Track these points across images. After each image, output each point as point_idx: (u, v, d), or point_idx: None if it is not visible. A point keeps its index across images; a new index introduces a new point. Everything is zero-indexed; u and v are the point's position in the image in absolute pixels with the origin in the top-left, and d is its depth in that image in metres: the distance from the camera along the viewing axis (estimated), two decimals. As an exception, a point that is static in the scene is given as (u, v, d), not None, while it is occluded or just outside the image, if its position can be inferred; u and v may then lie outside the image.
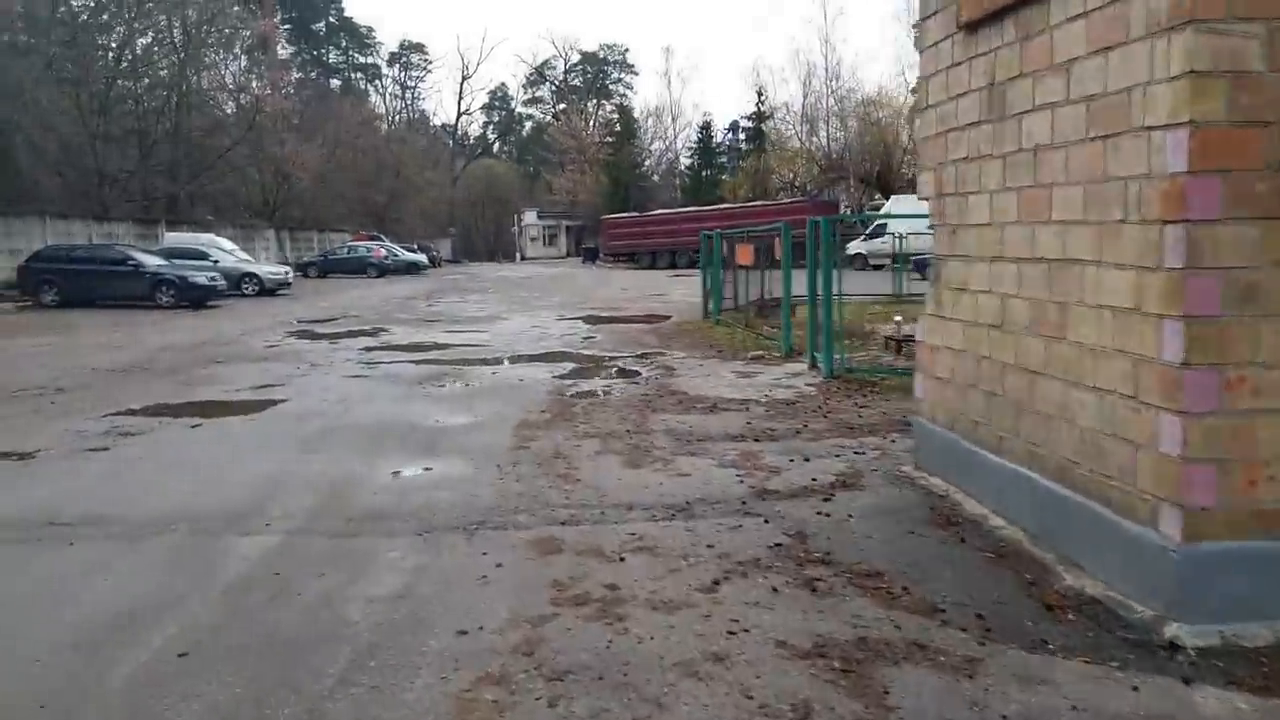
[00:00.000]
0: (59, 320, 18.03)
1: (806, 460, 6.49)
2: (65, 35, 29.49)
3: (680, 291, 28.34)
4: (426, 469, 6.29)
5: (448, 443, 7.07)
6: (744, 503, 5.52)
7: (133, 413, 8.33)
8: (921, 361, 6.12)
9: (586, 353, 13.02)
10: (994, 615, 3.87)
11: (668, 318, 19.04)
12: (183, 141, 36.96)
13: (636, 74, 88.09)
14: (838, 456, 6.61)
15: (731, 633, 3.66)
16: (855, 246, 41.69)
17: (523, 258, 71.04)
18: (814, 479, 6.00)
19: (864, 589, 4.18)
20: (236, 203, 43.86)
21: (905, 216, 31.28)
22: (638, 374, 10.80)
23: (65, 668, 3.33)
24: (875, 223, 41.80)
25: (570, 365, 11.69)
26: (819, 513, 5.30)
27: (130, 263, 21.32)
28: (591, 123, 78.85)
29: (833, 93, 53.82)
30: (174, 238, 28.93)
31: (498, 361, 12.20)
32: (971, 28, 5.23)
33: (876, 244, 40.54)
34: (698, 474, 6.13)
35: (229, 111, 43.11)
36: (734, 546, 4.68)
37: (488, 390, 9.66)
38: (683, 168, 64.51)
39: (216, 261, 26.11)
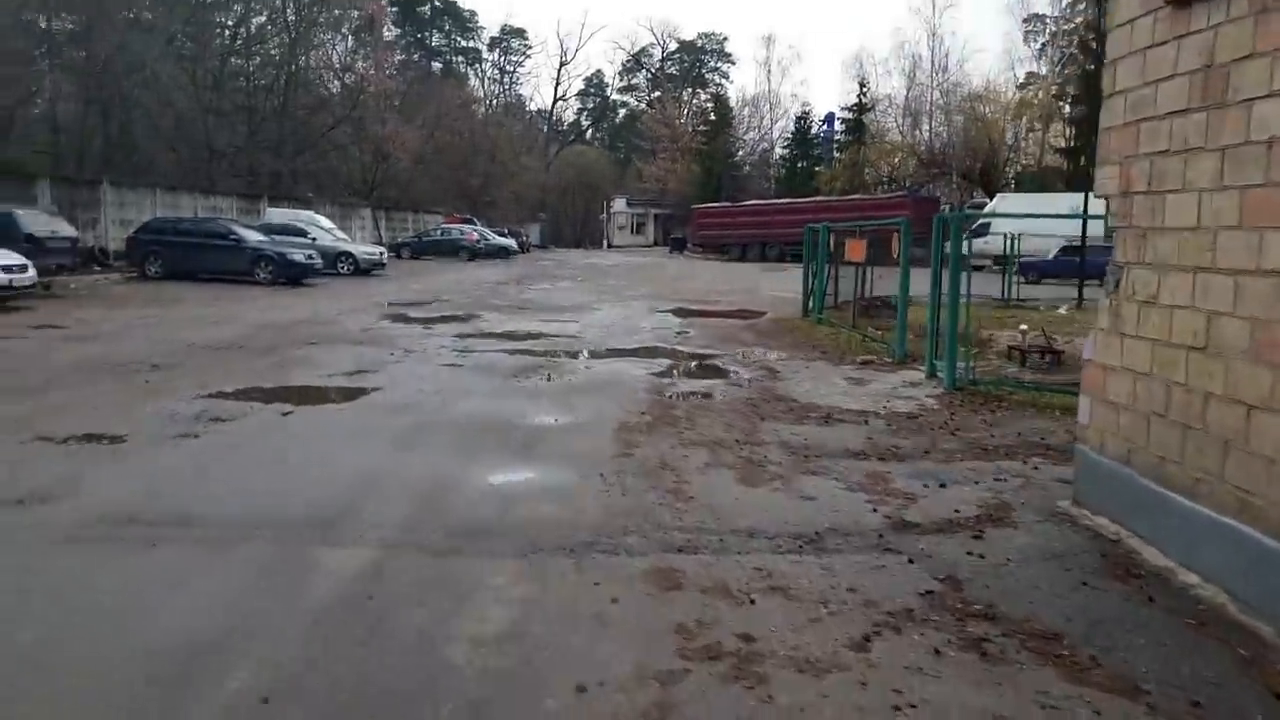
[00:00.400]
0: (162, 293, 18.40)
1: (943, 486, 5.81)
2: (186, 13, 30.33)
3: (772, 286, 27.53)
4: (527, 476, 5.83)
5: (547, 445, 6.61)
6: (881, 536, 4.89)
7: (225, 396, 8.14)
8: (1090, 382, 5.36)
9: (682, 349, 12.46)
10: (1212, 703, 3.19)
11: (763, 314, 18.34)
12: (288, 119, 37.74)
13: (733, 63, 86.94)
14: (976, 483, 5.91)
15: (897, 707, 3.07)
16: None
17: (610, 245, 70.85)
18: (956, 510, 5.32)
19: (1043, 656, 3.53)
20: (336, 181, 44.68)
21: (1012, 216, 29.87)
22: (739, 375, 10.19)
23: (135, 707, 2.95)
24: (978, 221, 40.18)
25: (666, 362, 11.16)
26: (970, 553, 4.63)
27: (232, 237, 21.68)
28: (686, 111, 78.04)
29: (937, 85, 51.85)
30: (275, 213, 29.45)
31: (591, 355, 11.74)
32: (1183, 2, 4.45)
33: (979, 244, 38.29)
34: (823, 497, 5.52)
35: (334, 91, 43.88)
36: (879, 592, 4.07)
37: (583, 387, 9.19)
38: (778, 158, 63.15)
39: (314, 239, 26.44)
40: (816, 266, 15.75)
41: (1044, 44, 68.77)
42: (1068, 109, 49.71)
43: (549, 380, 9.54)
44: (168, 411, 7.35)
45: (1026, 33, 64.71)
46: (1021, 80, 56.04)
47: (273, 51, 38.75)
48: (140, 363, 9.72)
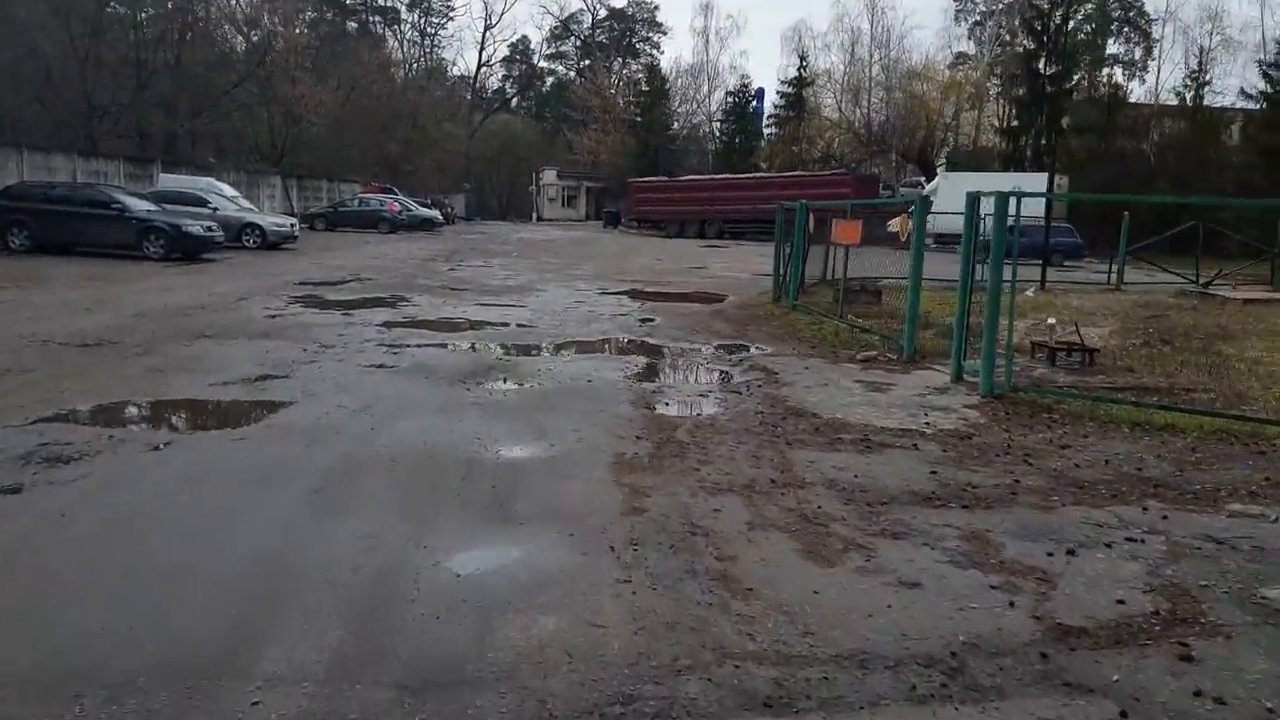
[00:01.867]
0: (25, 270, 15.71)
1: (1072, 554, 4.30)
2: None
3: (722, 265, 26.04)
4: (508, 557, 4.04)
5: (526, 497, 4.82)
6: (1045, 657, 3.32)
7: (77, 419, 6.09)
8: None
9: (653, 342, 10.75)
10: None
11: (724, 297, 16.81)
12: (185, 75, 34.25)
13: (665, 34, 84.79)
14: (1109, 547, 4.42)
15: None
16: (895, 224, 39.18)
17: (539, 218, 68.34)
18: (1120, 601, 3.80)
19: None
20: (242, 145, 41.29)
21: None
22: (732, 378, 8.55)
23: None
24: (920, 199, 39.45)
25: (640, 360, 9.44)
26: (1198, 693, 3.09)
27: (115, 206, 18.91)
28: (617, 81, 75.75)
29: (877, 61, 50.94)
30: (169, 180, 26.46)
31: (550, 350, 9.94)
32: None
33: (919, 222, 38.15)
34: (929, 581, 3.92)
35: (237, 47, 40.29)
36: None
37: (553, 396, 7.40)
38: (716, 132, 61.50)
39: (215, 209, 23.71)
40: (793, 248, 14.15)
41: (974, 23, 69.04)
42: (999, 88, 49.55)
43: (507, 387, 7.72)
44: (-13, 447, 5.29)
45: (958, 12, 64.62)
46: (950, 60, 55.68)
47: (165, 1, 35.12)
48: (-32, 367, 7.52)
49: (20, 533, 4.11)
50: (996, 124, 48.61)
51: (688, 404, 7.39)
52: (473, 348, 9.78)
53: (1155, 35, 51.47)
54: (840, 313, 11.96)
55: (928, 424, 6.81)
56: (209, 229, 19.99)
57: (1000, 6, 65.00)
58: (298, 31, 46.77)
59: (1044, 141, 40.95)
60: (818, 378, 8.50)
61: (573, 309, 13.73)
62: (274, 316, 11.50)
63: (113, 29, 31.58)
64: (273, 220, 25.23)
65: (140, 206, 19.56)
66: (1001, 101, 48.79)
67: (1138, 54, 54.62)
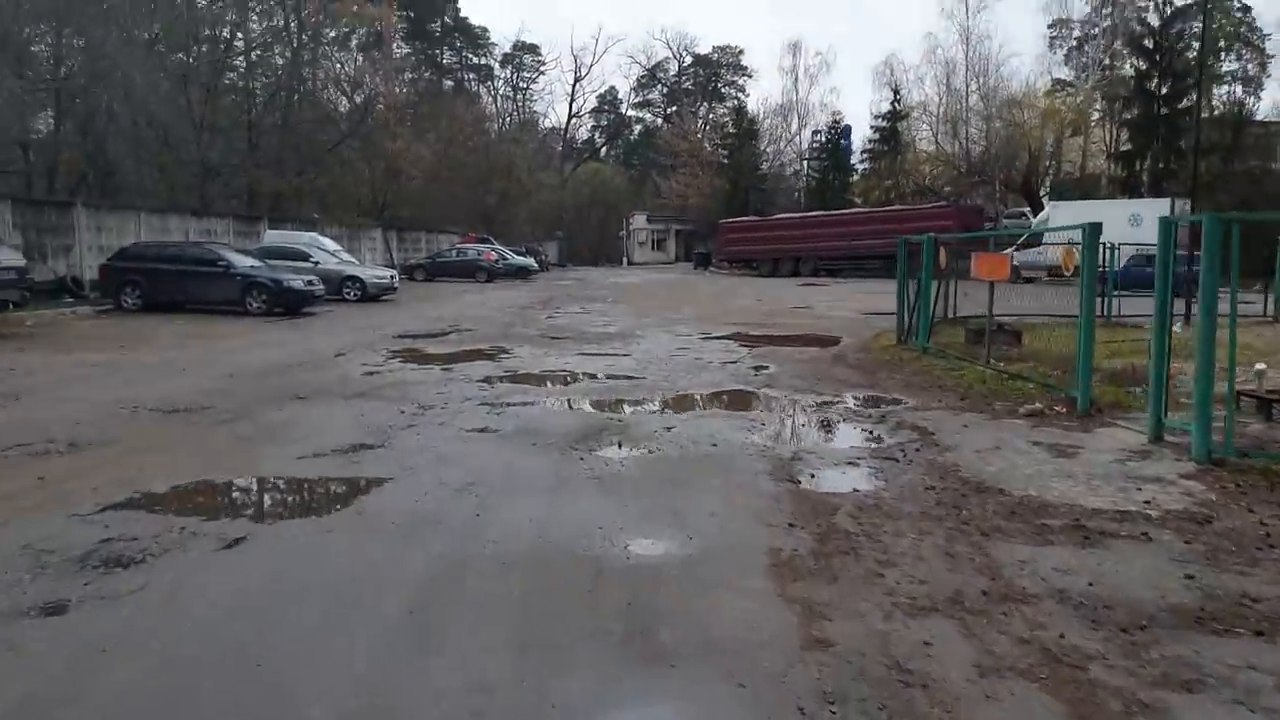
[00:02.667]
0: (132, 329, 15.69)
1: None
2: (168, 18, 27.76)
3: (824, 304, 24.79)
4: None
5: (672, 620, 3.76)
6: None
7: (149, 504, 5.38)
8: None
9: (774, 394, 9.64)
10: None
11: (838, 340, 15.61)
12: (291, 134, 35.23)
13: (750, 76, 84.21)
14: None
15: None
16: (1053, 256, 37.15)
17: (630, 262, 68.21)
18: None
19: None
20: (345, 201, 42.20)
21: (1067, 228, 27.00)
22: (882, 439, 7.36)
23: None
24: (1030, 231, 37.31)
25: (766, 417, 8.35)
26: None
27: (220, 263, 19.02)
28: (703, 125, 75.55)
29: (975, 90, 49.02)
30: (274, 235, 26.88)
31: (666, 406, 8.95)
32: None
33: (1032, 254, 35.96)
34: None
35: (340, 107, 41.41)
36: None
37: (677, 466, 6.38)
38: (806, 170, 60.29)
39: (317, 263, 23.82)
40: (920, 286, 12.88)
41: (1071, 48, 66.24)
42: (1115, 113, 46.96)
43: (624, 454, 6.74)
44: (39, 543, 4.57)
45: (1052, 38, 62.05)
46: (1048, 87, 53.06)
47: (276, 62, 36.24)
48: (50, 438, 6.97)
49: (53, 673, 3.29)
50: (1104, 149, 46.07)
51: (838, 475, 6.25)
52: (580, 405, 8.86)
53: (1270, 51, 48.05)
54: (986, 358, 10.59)
55: (1148, 503, 5.50)
56: (309, 283, 19.91)
57: (1098, 30, 62.30)
58: (397, 90, 47.99)
59: (1161, 165, 38.37)
60: (984, 438, 7.24)
61: (678, 356, 12.76)
62: (371, 373, 10.88)
63: (226, 95, 32.67)
64: (372, 272, 25.22)
65: (244, 263, 19.63)
66: (1108, 125, 46.22)
67: (1251, 69, 51.17)
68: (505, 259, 40.66)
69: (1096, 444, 7.07)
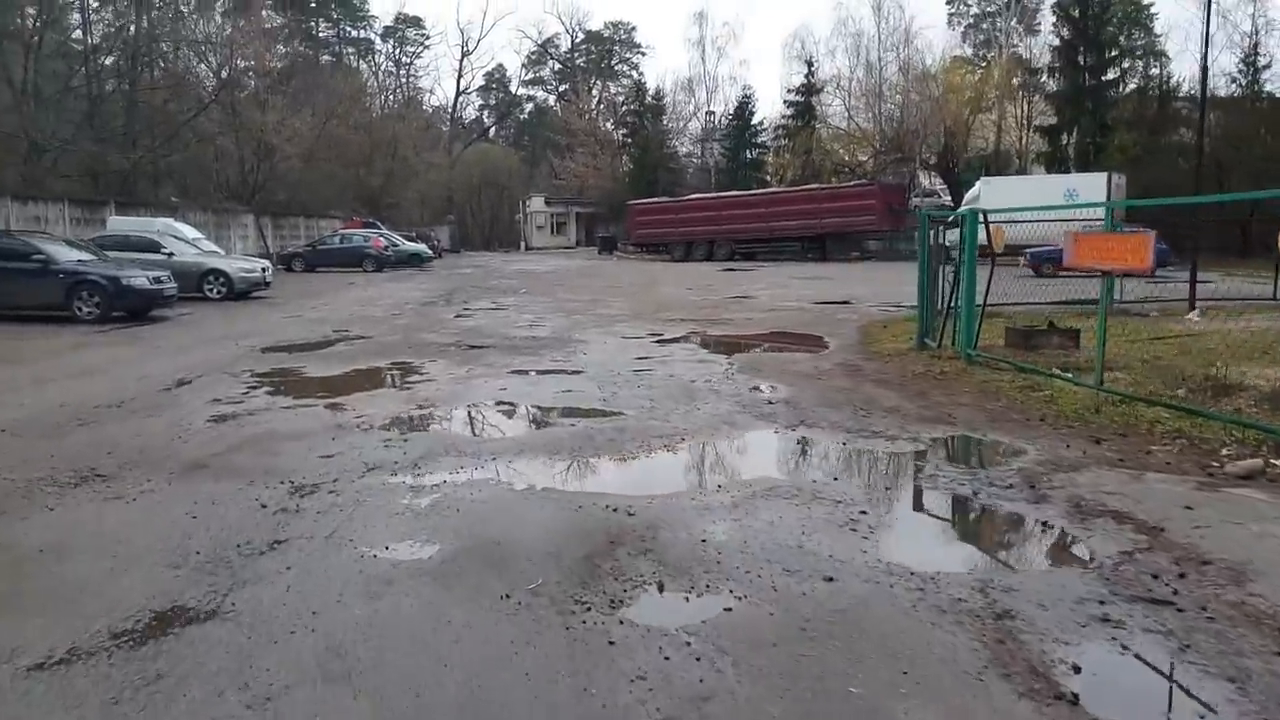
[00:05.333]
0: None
1: None
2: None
3: (766, 293, 22.25)
4: None
5: None
6: None
7: None
8: None
9: (820, 437, 6.81)
10: None
11: (821, 340, 13.00)
12: (141, 105, 30.19)
13: (644, 54, 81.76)
14: None
15: None
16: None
17: (528, 247, 64.66)
18: None
19: None
20: (210, 183, 37.25)
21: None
22: (1092, 555, 4.43)
23: None
24: (958, 210, 35.85)
25: (860, 495, 5.45)
26: None
27: (35, 257, 14.87)
28: (599, 101, 72.25)
29: (891, 62, 47.51)
30: (118, 223, 22.40)
31: (687, 475, 5.98)
32: None
33: (955, 235, 34.49)
34: None
35: (204, 78, 36.19)
36: None
37: (795, 646, 3.43)
38: (718, 149, 57.75)
39: (171, 254, 19.71)
40: (962, 275, 10.23)
41: (968, 25, 66.11)
42: (1035, 86, 46.22)
43: (676, 611, 3.71)
44: None
45: (950, 15, 61.66)
46: (946, 64, 52.14)
47: (120, 23, 31.04)
48: None
49: None
50: (1018, 123, 45.33)
51: (1115, 665, 3.37)
52: (551, 477, 5.79)
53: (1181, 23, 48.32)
54: (1099, 378, 7.74)
55: None
56: (157, 280, 15.97)
57: (996, 7, 62.18)
58: (268, 60, 42.86)
59: (1089, 140, 37.54)
60: (1250, 536, 4.51)
61: (644, 371, 9.79)
62: (222, 418, 7.48)
63: (55, 57, 27.49)
64: (240, 265, 21.18)
65: (68, 257, 15.54)
66: (1023, 99, 45.45)
67: (1165, 44, 51.54)
68: (395, 246, 36.74)
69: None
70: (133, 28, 30.38)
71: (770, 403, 8.14)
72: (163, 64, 33.12)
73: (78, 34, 31.96)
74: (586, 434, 6.89)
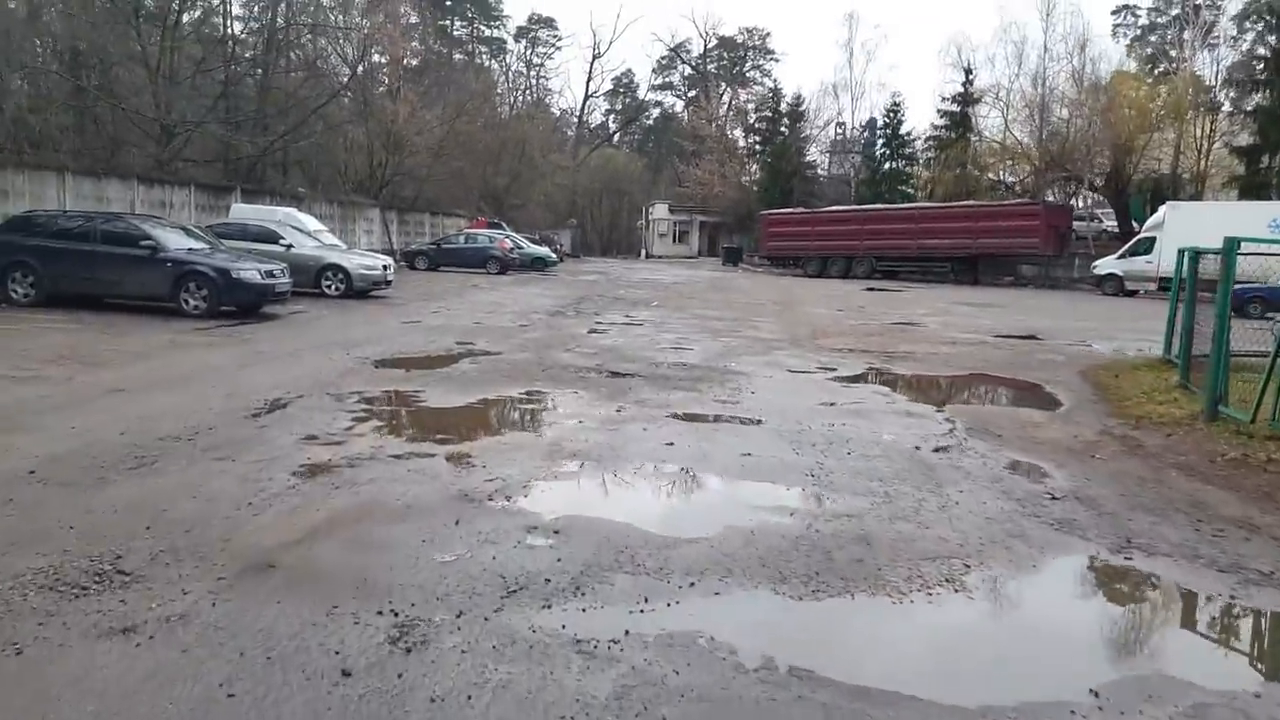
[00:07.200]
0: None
1: None
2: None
3: (927, 318, 19.58)
4: None
5: None
6: None
7: None
8: None
9: (1147, 564, 4.44)
10: None
11: (1036, 386, 10.49)
12: (274, 91, 29.73)
13: (778, 61, 79.02)
14: None
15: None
16: (1107, 265, 31.77)
17: (648, 255, 62.93)
18: None
19: None
20: (338, 174, 36.84)
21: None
22: None
23: None
24: (1138, 236, 31.94)
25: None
26: None
27: (144, 243, 13.72)
28: (729, 108, 69.97)
29: (1060, 72, 43.48)
30: (241, 210, 21.56)
31: (973, 633, 3.72)
32: None
33: (1139, 263, 30.62)
34: None
35: (337, 68, 35.74)
36: None
37: None
38: (862, 159, 54.54)
39: (290, 246, 18.57)
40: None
41: (1134, 38, 60.79)
42: (1206, 102, 41.47)
43: None
44: None
45: (1115, 26, 56.74)
46: (1115, 77, 47.45)
47: (251, 7, 30.70)
48: None
49: None
50: (1195, 144, 40.62)
51: None
52: (802, 654, 3.61)
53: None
54: None
55: None
56: (270, 274, 14.64)
57: (1168, 19, 56.87)
58: (403, 52, 42.41)
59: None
60: None
61: (842, 428, 7.49)
62: (313, 472, 5.61)
63: (190, 38, 27.19)
64: (360, 261, 19.90)
65: (179, 245, 14.36)
66: (1203, 118, 40.71)
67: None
68: (520, 248, 35.47)
69: None
70: (270, 12, 30.02)
71: (1053, 497, 5.74)
72: (298, 52, 32.69)
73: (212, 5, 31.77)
74: (816, 544, 4.66)
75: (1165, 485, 6.16)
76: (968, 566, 4.43)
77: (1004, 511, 5.38)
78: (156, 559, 4.04)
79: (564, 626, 3.54)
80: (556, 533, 4.64)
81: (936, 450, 6.91)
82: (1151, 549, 4.80)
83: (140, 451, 5.84)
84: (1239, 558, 4.69)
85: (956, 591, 4.12)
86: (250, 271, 14.15)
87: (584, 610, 3.71)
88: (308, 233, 20.44)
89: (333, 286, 18.71)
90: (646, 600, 3.83)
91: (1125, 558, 4.68)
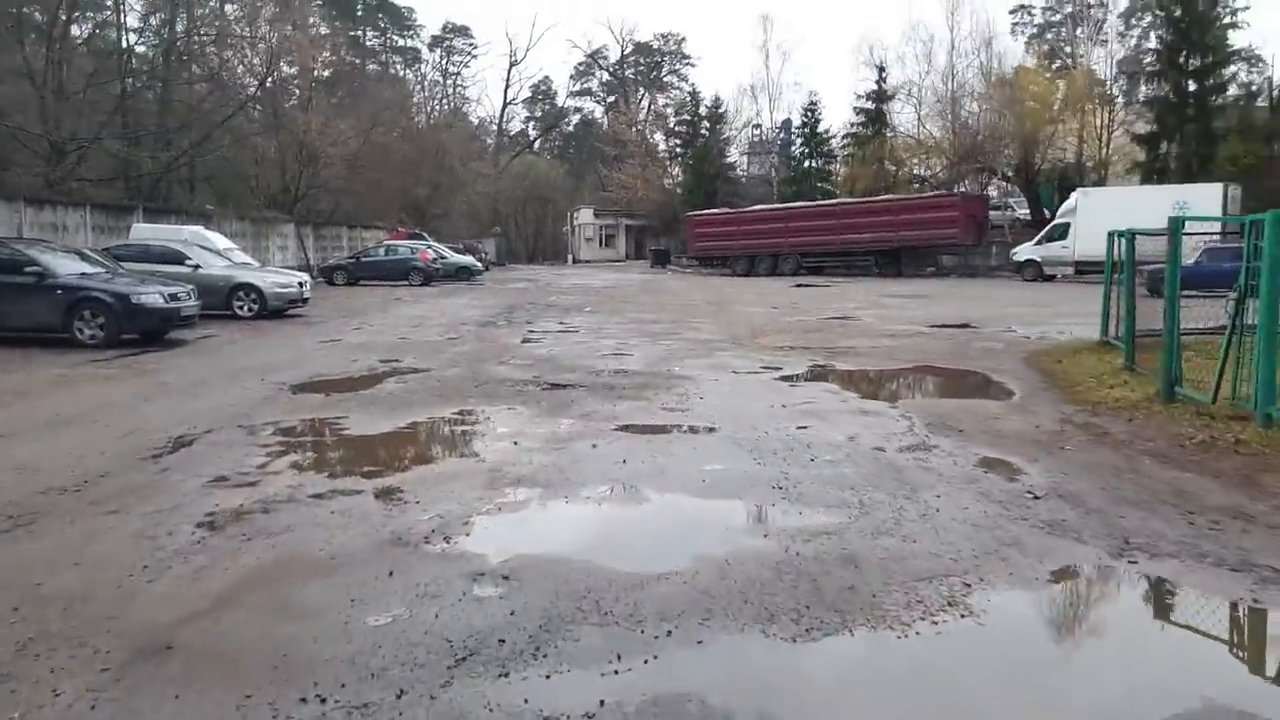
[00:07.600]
0: None
1: None
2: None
3: (861, 311, 19.55)
4: None
5: None
6: None
7: None
8: None
9: (1151, 566, 4.14)
10: None
11: (983, 376, 10.34)
12: (176, 103, 28.17)
13: (693, 65, 79.18)
14: None
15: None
16: (1025, 251, 32.48)
17: (575, 260, 62.34)
18: None
19: None
20: (249, 190, 35.28)
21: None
22: None
23: None
24: (1053, 223, 32.72)
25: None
26: None
27: (29, 270, 12.56)
28: (648, 112, 69.80)
29: (969, 67, 44.41)
30: (142, 230, 20.22)
31: (996, 678, 3.28)
32: None
33: (1055, 249, 31.36)
34: None
35: (241, 74, 34.06)
36: None
37: None
38: (780, 158, 54.82)
39: (197, 266, 17.44)
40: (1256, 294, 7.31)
41: (1031, 35, 62.57)
42: (1115, 92, 42.93)
43: None
44: None
45: (1014, 25, 58.31)
46: (1008, 75, 48.73)
47: (147, 17, 29.04)
48: None
49: None
50: (1096, 134, 41.95)
51: None
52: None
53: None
54: None
55: None
56: (174, 297, 13.60)
57: (1061, 16, 58.63)
58: (313, 62, 40.85)
59: (1193, 149, 34.17)
60: None
61: (802, 432, 7.07)
62: (220, 523, 4.90)
63: (79, 52, 25.54)
64: (275, 280, 18.82)
65: (71, 270, 13.23)
66: (1102, 109, 42.04)
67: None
68: (443, 258, 34.52)
69: None
70: (169, 24, 28.44)
71: (1035, 497, 5.40)
72: (201, 65, 31.11)
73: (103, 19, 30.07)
74: (800, 570, 4.18)
75: (1143, 475, 5.89)
76: (968, 585, 4.00)
77: (988, 516, 5.00)
78: (25, 650, 3.33)
79: (526, 700, 2.98)
80: (506, 578, 4.06)
81: (904, 453, 6.53)
82: (1153, 549, 4.46)
83: (13, 509, 5.05)
84: (1244, 553, 4.38)
85: (964, 617, 3.68)
86: (152, 295, 13.11)
87: (547, 677, 3.15)
88: (217, 251, 19.30)
89: (245, 307, 17.63)
90: (619, 658, 3.29)
91: (1129, 561, 4.33)
